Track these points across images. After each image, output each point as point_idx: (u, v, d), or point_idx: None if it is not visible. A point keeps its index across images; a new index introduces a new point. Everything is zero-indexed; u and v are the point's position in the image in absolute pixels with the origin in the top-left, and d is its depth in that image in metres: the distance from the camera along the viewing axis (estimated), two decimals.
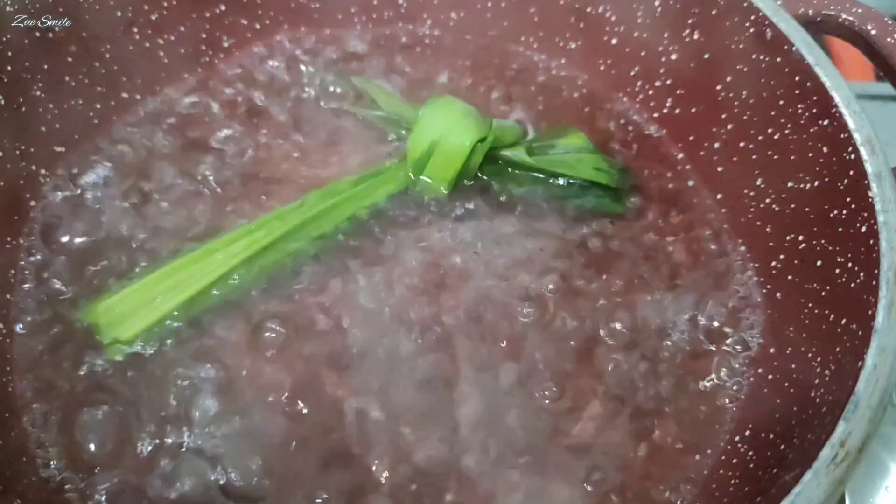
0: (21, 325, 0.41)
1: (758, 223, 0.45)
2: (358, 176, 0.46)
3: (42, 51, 0.44)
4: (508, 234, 0.46)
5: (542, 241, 0.46)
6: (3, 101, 0.42)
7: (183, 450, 0.37)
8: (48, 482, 0.36)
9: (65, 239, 0.44)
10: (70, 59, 0.46)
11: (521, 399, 0.40)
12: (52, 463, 0.37)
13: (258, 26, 0.52)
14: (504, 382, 0.40)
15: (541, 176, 0.48)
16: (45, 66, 0.44)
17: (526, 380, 0.40)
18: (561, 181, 0.48)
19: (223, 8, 0.51)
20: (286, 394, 0.39)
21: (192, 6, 0.50)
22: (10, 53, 0.42)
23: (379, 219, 0.45)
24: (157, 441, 0.37)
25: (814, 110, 0.41)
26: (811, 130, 0.41)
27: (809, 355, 0.38)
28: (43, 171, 0.45)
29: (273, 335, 0.41)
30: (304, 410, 0.39)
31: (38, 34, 0.44)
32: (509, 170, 0.48)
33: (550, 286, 0.44)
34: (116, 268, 0.43)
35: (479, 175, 0.47)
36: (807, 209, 0.41)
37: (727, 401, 0.41)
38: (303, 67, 0.53)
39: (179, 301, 0.40)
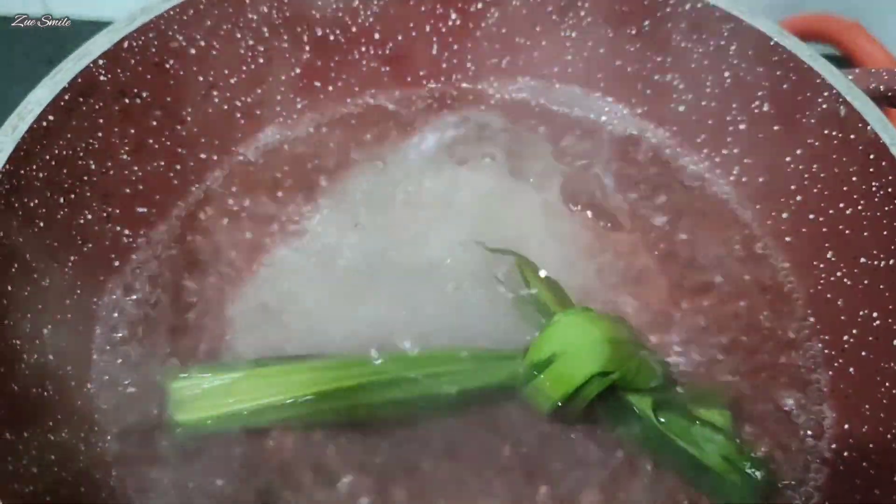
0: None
1: (828, 296, 0.45)
2: (472, 350, 0.41)
3: (130, 116, 0.45)
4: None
5: None
6: (93, 167, 0.44)
7: None
8: None
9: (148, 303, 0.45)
10: (154, 123, 0.47)
11: None
12: None
13: (331, 88, 0.54)
14: None
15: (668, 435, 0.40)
16: (132, 131, 0.46)
17: None
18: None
19: (298, 71, 0.52)
20: None
21: (270, 69, 0.51)
22: (101, 121, 0.44)
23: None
24: None
25: (889, 189, 0.41)
26: (885, 209, 0.41)
27: (889, 436, 0.38)
28: (127, 232, 0.46)
29: None
30: None
31: (127, 100, 0.45)
32: (628, 415, 0.40)
33: None
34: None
35: (594, 406, 0.40)
36: (881, 286, 0.42)
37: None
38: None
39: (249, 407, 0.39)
